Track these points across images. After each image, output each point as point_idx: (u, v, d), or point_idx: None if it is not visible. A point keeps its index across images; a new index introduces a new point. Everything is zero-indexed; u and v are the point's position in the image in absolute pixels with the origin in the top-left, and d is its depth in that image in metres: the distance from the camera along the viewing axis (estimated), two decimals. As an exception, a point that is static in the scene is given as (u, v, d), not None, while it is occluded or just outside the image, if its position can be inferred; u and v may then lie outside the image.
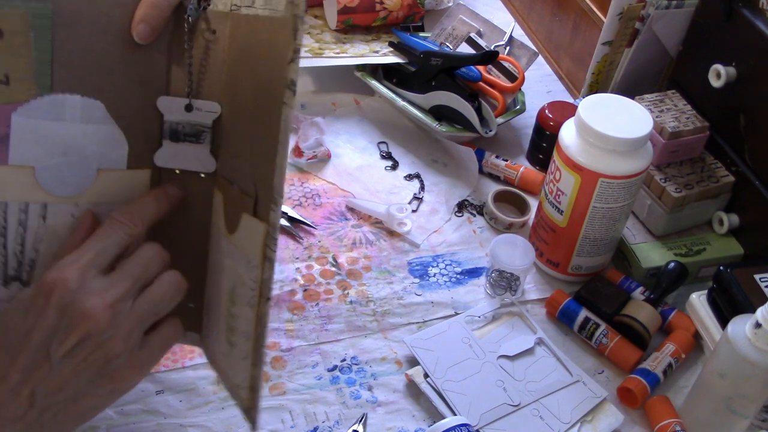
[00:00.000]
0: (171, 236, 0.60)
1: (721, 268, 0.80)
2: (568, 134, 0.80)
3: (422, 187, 0.97)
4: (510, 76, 1.05)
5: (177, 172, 0.61)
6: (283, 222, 0.89)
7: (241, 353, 0.61)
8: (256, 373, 0.59)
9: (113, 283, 0.54)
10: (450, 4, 1.20)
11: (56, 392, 0.53)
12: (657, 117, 0.87)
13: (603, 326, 0.80)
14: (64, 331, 0.52)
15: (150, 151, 0.60)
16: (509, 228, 0.93)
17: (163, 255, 0.57)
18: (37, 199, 0.58)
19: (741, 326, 0.67)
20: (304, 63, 1.05)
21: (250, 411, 0.61)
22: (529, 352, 0.79)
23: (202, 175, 0.61)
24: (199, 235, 0.63)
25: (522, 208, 0.95)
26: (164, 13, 0.55)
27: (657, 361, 0.77)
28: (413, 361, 0.77)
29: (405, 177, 0.99)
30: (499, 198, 0.95)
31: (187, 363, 0.75)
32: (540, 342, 0.80)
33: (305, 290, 0.84)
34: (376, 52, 1.07)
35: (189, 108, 0.59)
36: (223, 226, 0.61)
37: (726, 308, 0.78)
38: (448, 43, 1.10)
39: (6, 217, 0.58)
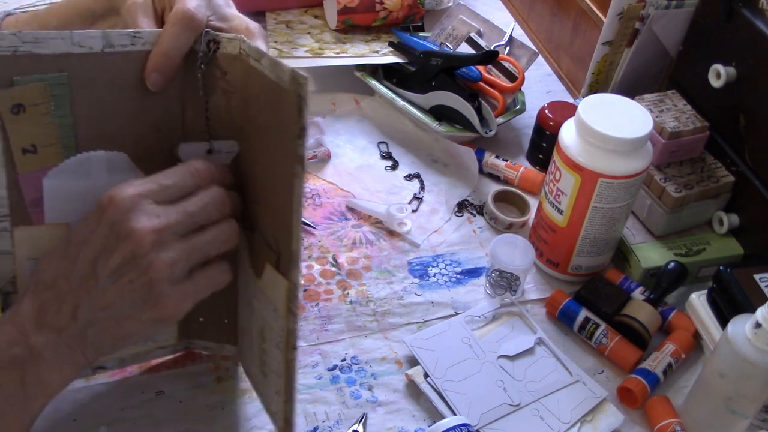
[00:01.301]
0: None
1: (721, 268, 0.80)
2: (568, 134, 0.80)
3: (422, 187, 0.97)
4: (510, 76, 1.05)
5: None
6: (283, 222, 0.89)
7: (274, 387, 0.63)
8: (289, 408, 0.61)
9: (166, 212, 0.55)
10: (450, 4, 1.20)
11: (100, 310, 0.55)
12: (657, 117, 0.87)
13: (603, 326, 0.80)
14: (111, 249, 0.54)
15: None
16: (509, 228, 0.93)
17: (226, 202, 0.58)
18: None
19: (741, 326, 0.67)
20: (304, 63, 1.05)
21: None
22: (529, 352, 0.79)
23: None
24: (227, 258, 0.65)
25: (522, 208, 0.95)
26: (175, 61, 0.57)
27: (657, 361, 0.78)
28: (413, 361, 0.77)
29: (405, 177, 0.99)
30: (499, 198, 0.95)
31: (187, 363, 0.75)
32: (540, 342, 0.80)
33: (305, 290, 0.84)
34: (376, 52, 1.07)
35: (210, 151, 0.61)
36: (249, 267, 0.63)
37: (726, 308, 0.78)
38: (448, 43, 1.10)
39: None
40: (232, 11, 0.62)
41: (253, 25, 0.62)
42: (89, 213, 0.56)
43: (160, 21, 0.61)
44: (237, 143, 0.61)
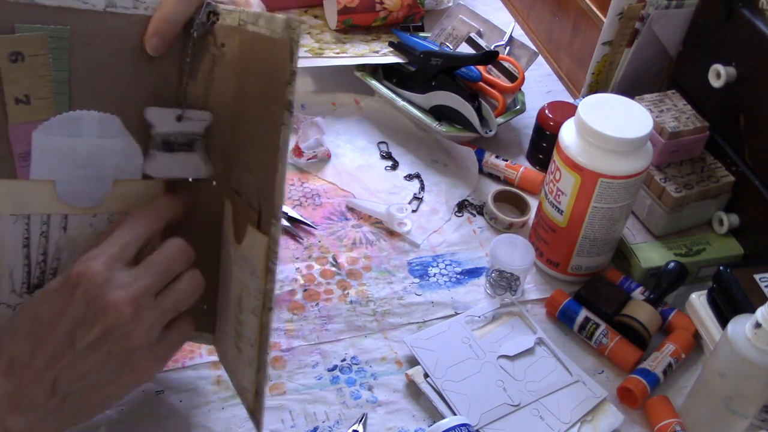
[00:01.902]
0: (186, 241, 0.62)
1: (721, 268, 0.80)
2: (568, 134, 0.80)
3: (422, 187, 0.97)
4: (510, 76, 1.05)
5: (190, 180, 0.63)
6: (284, 222, 0.89)
7: (247, 358, 0.63)
8: (260, 378, 0.61)
9: (138, 277, 0.56)
10: (450, 4, 1.20)
11: (78, 380, 0.55)
12: (657, 117, 0.87)
13: (603, 326, 0.80)
14: (90, 322, 0.54)
15: None
16: (509, 228, 0.93)
17: (188, 252, 0.59)
18: (58, 212, 0.60)
19: (741, 326, 0.67)
20: (304, 63, 1.05)
21: (255, 413, 0.63)
22: (529, 352, 0.79)
23: (214, 183, 0.63)
24: (212, 240, 0.65)
25: (522, 208, 0.95)
26: (176, 27, 0.57)
27: (657, 361, 0.78)
28: (413, 361, 0.77)
29: (405, 177, 0.99)
30: (499, 198, 0.95)
31: (187, 363, 0.75)
32: (540, 342, 0.80)
33: (305, 290, 0.84)
34: (376, 52, 1.07)
35: (180, 118, 0.60)
36: (232, 236, 0.63)
37: (726, 308, 0.78)
38: (448, 43, 1.10)
39: (29, 229, 0.60)
40: None
41: (254, 0, 0.62)
42: (53, 291, 0.55)
43: None
44: (210, 114, 0.61)
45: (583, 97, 0.86)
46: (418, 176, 0.99)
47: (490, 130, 0.97)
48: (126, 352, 0.55)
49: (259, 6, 0.62)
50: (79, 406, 0.56)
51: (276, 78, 0.53)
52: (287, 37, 0.52)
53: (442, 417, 0.72)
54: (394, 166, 1.00)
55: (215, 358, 0.74)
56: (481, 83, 1.04)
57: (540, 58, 1.14)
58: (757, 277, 0.79)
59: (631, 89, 0.97)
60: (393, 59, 1.05)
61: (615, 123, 0.77)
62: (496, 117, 1.00)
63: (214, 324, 0.70)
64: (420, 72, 1.02)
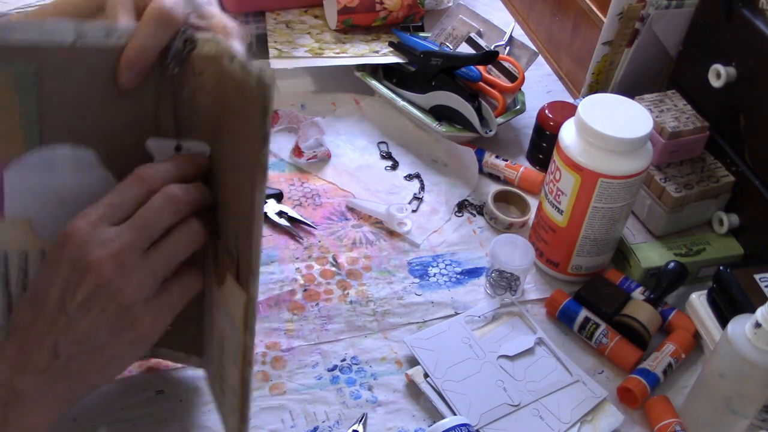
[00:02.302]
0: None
1: (721, 268, 0.80)
2: (568, 134, 0.80)
3: (422, 187, 0.97)
4: (510, 76, 1.05)
5: None
6: (283, 222, 0.89)
7: (231, 405, 0.62)
8: (243, 428, 0.60)
9: (119, 234, 0.54)
10: (450, 4, 1.20)
11: (78, 343, 0.55)
12: (657, 117, 0.87)
13: (603, 326, 0.80)
14: (75, 284, 0.54)
15: None
16: (509, 228, 0.93)
17: (177, 202, 0.56)
18: (36, 247, 0.59)
19: (741, 326, 0.67)
20: (304, 63, 1.05)
21: None
22: (529, 352, 0.79)
23: None
24: (197, 262, 0.63)
25: (522, 208, 0.95)
26: (149, 57, 0.55)
27: (657, 361, 0.77)
28: (413, 361, 0.77)
29: (405, 177, 0.99)
30: (499, 198, 0.95)
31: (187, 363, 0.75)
32: (540, 342, 0.80)
33: (305, 290, 0.84)
34: (376, 52, 1.07)
35: (179, 148, 0.59)
36: (213, 274, 0.61)
37: (726, 308, 0.78)
38: (448, 43, 1.10)
39: (7, 265, 0.59)
40: (213, 9, 0.60)
41: (231, 24, 0.60)
42: (48, 254, 0.55)
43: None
44: (208, 144, 0.58)
45: (583, 97, 0.86)
46: (418, 176, 0.99)
47: (490, 130, 0.97)
48: (120, 310, 0.54)
49: (237, 34, 0.59)
50: (87, 368, 0.56)
51: (250, 132, 0.51)
52: (260, 94, 0.48)
53: (442, 417, 0.72)
54: (394, 166, 1.00)
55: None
56: (481, 83, 1.04)
57: (540, 58, 1.14)
58: (757, 277, 0.79)
59: (631, 89, 0.97)
60: (393, 59, 1.05)
61: (615, 123, 0.77)
62: (496, 117, 1.00)
63: (202, 347, 0.69)
64: (420, 72, 1.02)
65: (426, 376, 0.75)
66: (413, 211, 0.94)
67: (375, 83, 1.03)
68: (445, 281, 0.86)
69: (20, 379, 0.55)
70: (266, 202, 0.90)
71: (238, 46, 0.57)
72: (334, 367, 0.77)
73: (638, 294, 0.84)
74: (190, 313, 0.61)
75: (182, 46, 0.55)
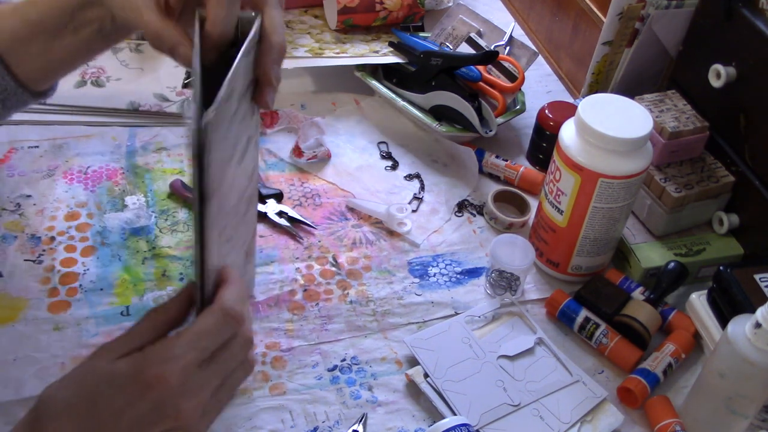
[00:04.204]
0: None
1: (721, 268, 0.80)
2: (568, 134, 0.80)
3: (422, 187, 0.97)
4: (510, 76, 1.05)
5: None
6: (283, 222, 0.89)
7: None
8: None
9: (207, 382, 0.55)
10: (450, 4, 1.20)
11: None
12: (657, 117, 0.87)
13: (603, 326, 0.80)
14: (155, 422, 0.53)
15: None
16: (509, 228, 0.93)
17: (252, 345, 0.59)
18: None
19: (741, 326, 0.67)
20: (304, 63, 1.05)
21: None
22: (529, 352, 0.79)
23: None
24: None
25: (522, 208, 0.95)
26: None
27: (657, 361, 0.77)
28: (413, 361, 0.77)
29: (405, 177, 0.99)
30: (499, 198, 0.95)
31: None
32: (540, 342, 0.80)
33: (305, 290, 0.84)
34: (376, 52, 1.07)
35: None
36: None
37: (726, 308, 0.78)
38: (448, 43, 1.10)
39: None
40: None
41: None
42: (122, 379, 0.53)
43: (168, 9, 0.60)
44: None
45: (583, 97, 0.86)
46: (418, 176, 0.99)
47: (490, 130, 0.97)
48: None
49: (275, 2, 0.60)
50: None
51: None
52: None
53: (442, 417, 0.72)
54: (394, 166, 1.00)
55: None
56: (481, 83, 1.04)
57: (540, 58, 1.14)
58: (757, 277, 0.79)
59: (631, 89, 0.98)
60: (393, 59, 1.05)
61: (615, 123, 0.77)
62: (496, 117, 1.00)
63: None
64: (420, 72, 1.02)
65: (426, 376, 0.75)
66: (413, 211, 0.94)
67: (375, 83, 1.03)
68: (445, 281, 0.86)
69: None
70: (266, 202, 0.90)
71: (277, 16, 0.59)
72: (334, 367, 0.77)
73: (638, 294, 0.84)
74: None
75: None
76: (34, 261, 0.82)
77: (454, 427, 0.67)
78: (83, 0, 0.63)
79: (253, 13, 0.58)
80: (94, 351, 0.56)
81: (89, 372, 0.55)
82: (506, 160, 0.98)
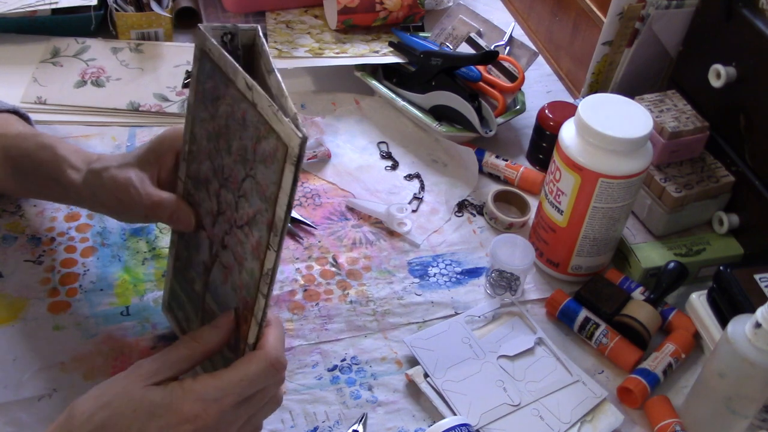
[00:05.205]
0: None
1: (721, 268, 0.80)
2: (568, 134, 0.80)
3: (422, 187, 0.97)
4: (510, 76, 1.05)
5: None
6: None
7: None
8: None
9: (239, 418, 0.58)
10: (450, 4, 1.20)
11: None
12: (657, 117, 0.87)
13: (603, 326, 0.80)
14: None
15: None
16: (509, 228, 0.93)
17: (281, 383, 0.62)
18: None
19: (741, 326, 0.67)
20: (304, 63, 1.05)
21: None
22: (529, 352, 0.79)
23: None
24: None
25: (522, 208, 0.95)
26: None
27: (657, 361, 0.78)
28: (413, 361, 0.77)
29: (405, 177, 0.99)
30: (499, 198, 0.95)
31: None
32: (540, 342, 0.80)
33: (305, 290, 0.84)
34: (376, 52, 1.07)
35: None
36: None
37: (726, 308, 0.78)
38: (448, 43, 1.10)
39: None
40: None
41: None
42: (158, 408, 0.55)
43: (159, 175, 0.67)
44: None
45: (583, 97, 0.86)
46: (418, 176, 0.99)
47: (490, 130, 0.97)
48: None
49: None
50: None
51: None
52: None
53: (442, 417, 0.72)
54: (394, 166, 1.00)
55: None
56: (481, 83, 1.04)
57: (540, 58, 1.14)
58: (757, 277, 0.79)
59: (631, 89, 0.98)
60: (393, 59, 1.05)
61: (615, 123, 0.77)
62: (496, 117, 1.00)
63: None
64: (420, 72, 1.02)
65: (426, 376, 0.75)
66: (413, 211, 0.94)
67: (375, 83, 1.03)
68: (445, 281, 0.86)
69: None
70: None
71: None
72: (334, 367, 0.77)
73: (638, 294, 0.84)
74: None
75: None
76: (34, 261, 0.82)
77: (454, 427, 0.67)
78: (35, 162, 0.72)
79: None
80: (128, 371, 0.58)
81: (123, 395, 0.56)
82: (506, 160, 0.98)
